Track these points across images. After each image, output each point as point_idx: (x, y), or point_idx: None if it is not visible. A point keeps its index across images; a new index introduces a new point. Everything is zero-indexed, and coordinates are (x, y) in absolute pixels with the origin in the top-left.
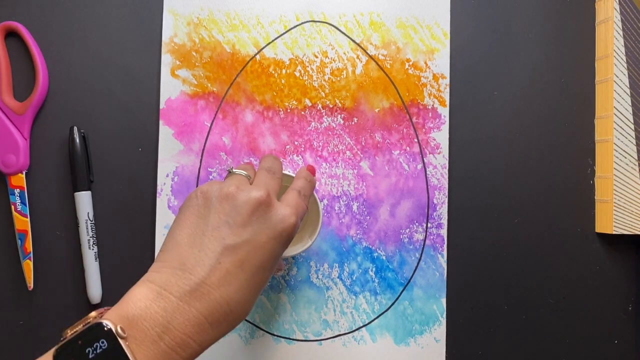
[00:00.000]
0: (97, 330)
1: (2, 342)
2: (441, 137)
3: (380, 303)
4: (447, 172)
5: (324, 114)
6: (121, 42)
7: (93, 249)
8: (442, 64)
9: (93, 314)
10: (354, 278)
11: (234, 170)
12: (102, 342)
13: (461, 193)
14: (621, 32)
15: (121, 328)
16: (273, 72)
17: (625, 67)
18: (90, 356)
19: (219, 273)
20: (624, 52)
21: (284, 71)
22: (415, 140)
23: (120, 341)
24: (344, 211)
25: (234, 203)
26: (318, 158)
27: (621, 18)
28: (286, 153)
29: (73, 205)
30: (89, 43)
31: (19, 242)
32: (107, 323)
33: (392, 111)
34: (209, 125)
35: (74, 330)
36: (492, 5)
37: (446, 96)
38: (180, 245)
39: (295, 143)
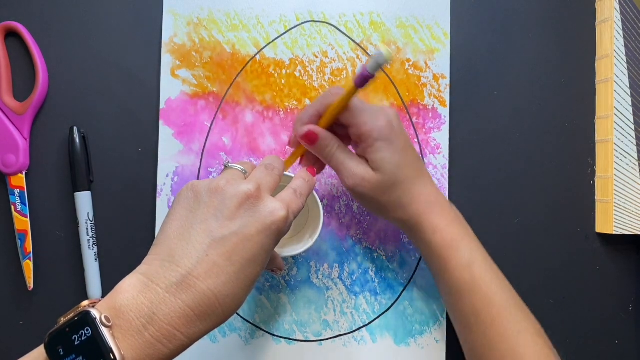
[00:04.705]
0: (84, 319)
1: (2, 342)
2: (441, 137)
3: (381, 303)
4: (447, 172)
5: None
6: (121, 42)
7: (93, 249)
8: (442, 64)
9: (85, 302)
10: (354, 278)
11: (230, 164)
12: (87, 330)
13: (461, 193)
14: (621, 32)
15: (106, 317)
16: (273, 72)
17: (625, 67)
18: (76, 343)
19: (206, 265)
20: (624, 52)
21: (284, 71)
22: (416, 140)
23: (104, 329)
24: (344, 211)
25: (223, 196)
26: None
27: (621, 18)
28: (286, 153)
29: (73, 205)
30: (89, 43)
31: (19, 242)
32: (93, 312)
33: None
34: (209, 125)
35: (66, 318)
36: (492, 5)
37: (446, 96)
38: (170, 238)
39: None
